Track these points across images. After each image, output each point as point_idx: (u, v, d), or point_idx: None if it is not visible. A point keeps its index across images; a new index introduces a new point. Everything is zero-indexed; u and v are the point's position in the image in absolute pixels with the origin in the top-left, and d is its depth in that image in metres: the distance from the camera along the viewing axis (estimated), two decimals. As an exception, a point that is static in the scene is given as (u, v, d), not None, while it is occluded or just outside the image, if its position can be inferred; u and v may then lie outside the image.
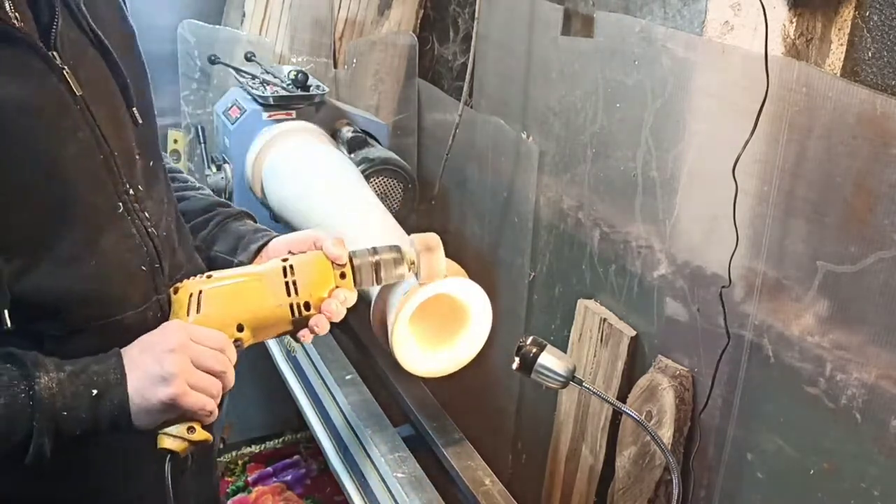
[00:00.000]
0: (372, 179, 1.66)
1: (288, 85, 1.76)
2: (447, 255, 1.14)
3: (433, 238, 1.05)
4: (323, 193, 1.43)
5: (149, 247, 0.92)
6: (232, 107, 1.77)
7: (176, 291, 0.93)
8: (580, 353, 1.55)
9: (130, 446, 0.92)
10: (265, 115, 1.71)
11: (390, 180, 1.70)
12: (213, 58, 1.90)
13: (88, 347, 0.85)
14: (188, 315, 0.91)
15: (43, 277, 0.82)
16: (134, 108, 0.92)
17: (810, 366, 1.12)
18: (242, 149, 1.70)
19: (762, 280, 1.18)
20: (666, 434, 1.30)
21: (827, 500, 1.13)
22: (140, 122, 0.92)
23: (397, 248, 1.03)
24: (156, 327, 0.89)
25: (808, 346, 1.12)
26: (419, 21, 2.19)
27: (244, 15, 2.05)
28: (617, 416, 1.46)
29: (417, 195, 1.75)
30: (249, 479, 2.22)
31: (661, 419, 1.32)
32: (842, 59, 1.07)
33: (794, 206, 1.12)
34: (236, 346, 0.93)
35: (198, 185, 1.21)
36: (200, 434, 0.86)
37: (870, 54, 1.03)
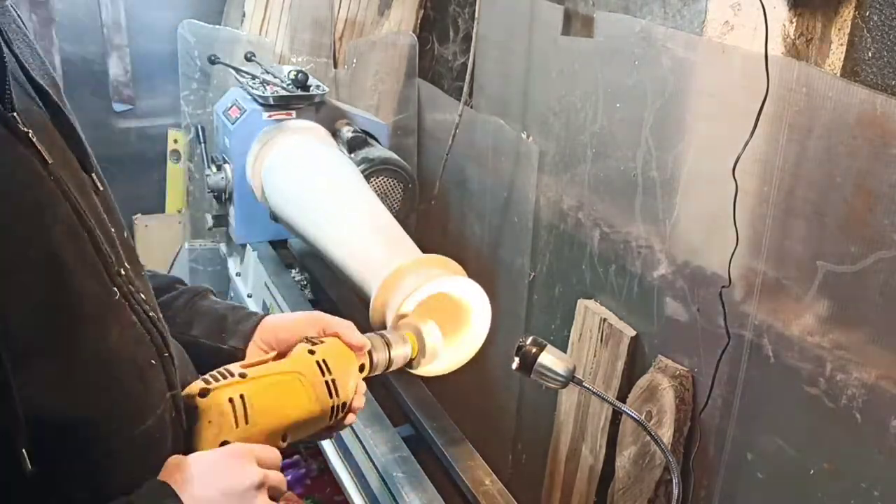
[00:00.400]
0: (372, 179, 1.66)
1: (288, 85, 1.76)
2: (446, 255, 1.14)
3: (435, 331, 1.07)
4: (323, 193, 1.43)
5: (153, 334, 0.75)
6: (232, 107, 1.77)
7: (205, 394, 0.79)
8: (580, 353, 1.55)
9: None
10: (265, 115, 1.71)
11: (390, 180, 1.70)
12: (213, 58, 1.90)
13: (118, 477, 0.70)
14: (237, 426, 0.79)
15: (58, 393, 0.64)
16: (93, 174, 0.74)
17: (810, 366, 1.12)
18: (242, 149, 1.70)
19: (762, 280, 1.18)
20: (666, 434, 1.30)
21: (827, 500, 1.13)
22: (100, 189, 0.75)
23: (404, 338, 1.04)
24: (171, 433, 0.75)
25: (808, 346, 1.12)
26: (419, 21, 2.19)
27: (244, 15, 2.05)
28: (617, 416, 1.46)
29: (417, 195, 1.75)
30: (249, 479, 2.22)
31: (661, 419, 1.32)
32: (842, 59, 1.07)
33: (794, 206, 1.12)
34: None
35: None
36: None
37: (870, 54, 1.03)
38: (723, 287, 1.21)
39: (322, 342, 0.93)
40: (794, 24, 1.09)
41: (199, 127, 1.98)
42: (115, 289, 0.71)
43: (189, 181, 2.23)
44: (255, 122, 1.70)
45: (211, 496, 0.70)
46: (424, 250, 1.21)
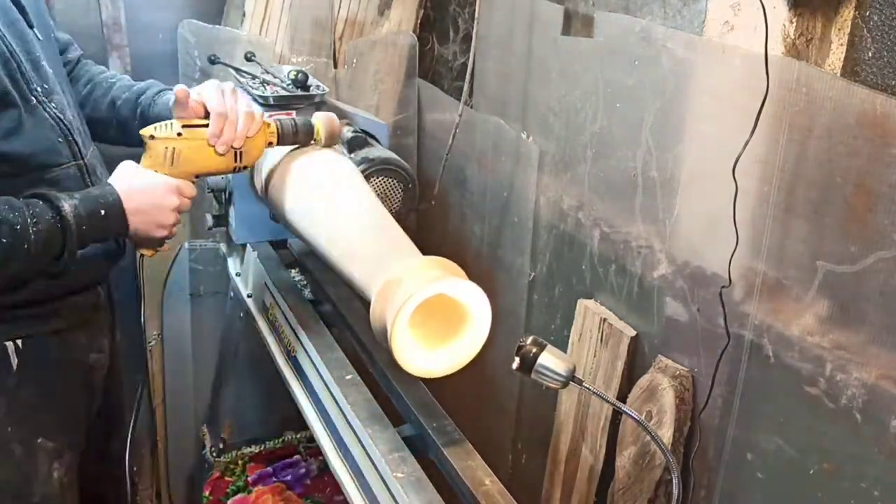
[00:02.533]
0: (372, 179, 1.66)
1: (288, 85, 1.76)
2: (446, 255, 1.14)
3: (335, 120, 1.46)
4: (323, 193, 1.43)
5: (61, 126, 1.28)
6: (232, 107, 1.76)
7: (152, 138, 1.27)
8: (580, 353, 1.55)
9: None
10: (265, 115, 1.71)
11: (390, 180, 1.70)
12: (213, 58, 1.90)
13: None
14: (165, 166, 1.28)
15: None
16: (34, 29, 1.29)
17: (810, 366, 1.12)
18: (242, 149, 1.70)
19: (762, 280, 1.18)
20: (666, 434, 1.30)
21: (827, 500, 1.13)
22: (41, 38, 1.30)
23: (311, 125, 1.43)
24: (81, 180, 1.31)
25: (808, 346, 1.12)
26: (419, 21, 2.19)
27: (244, 15, 2.05)
28: (617, 416, 1.46)
29: (417, 195, 1.75)
30: (249, 479, 2.22)
31: (661, 419, 1.32)
32: (842, 59, 1.07)
33: (794, 206, 1.12)
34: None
35: (112, 79, 1.56)
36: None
37: (870, 54, 1.03)
38: (723, 287, 1.21)
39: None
40: (794, 24, 1.09)
41: (199, 127, 1.98)
42: (33, 97, 1.24)
43: (189, 181, 2.23)
44: (255, 122, 1.70)
45: (131, 192, 1.23)
46: (424, 250, 1.21)
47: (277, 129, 1.38)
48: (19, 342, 1.30)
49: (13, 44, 1.22)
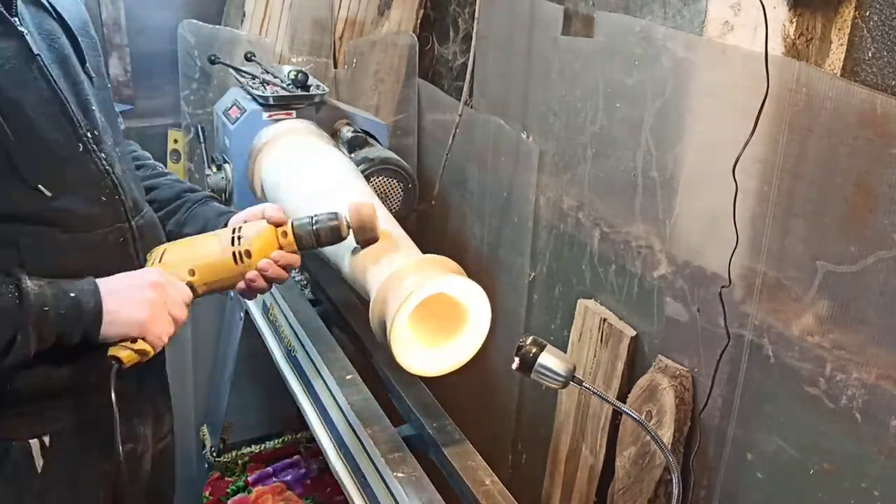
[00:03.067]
0: (372, 179, 1.66)
1: (288, 85, 1.76)
2: (446, 255, 1.14)
3: (366, 205, 1.19)
4: (323, 193, 1.43)
5: (107, 180, 1.10)
6: (232, 107, 1.77)
7: (149, 254, 1.15)
8: (580, 353, 1.55)
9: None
10: (265, 115, 1.71)
11: (390, 180, 1.70)
12: (213, 58, 1.90)
13: (65, 261, 1.04)
14: (153, 265, 1.13)
15: (21, 200, 1.00)
16: (87, 66, 1.12)
17: (810, 366, 1.12)
18: (242, 149, 1.70)
19: (762, 280, 1.18)
20: (666, 434, 1.30)
21: (827, 500, 1.13)
22: (94, 77, 1.13)
23: (335, 214, 1.17)
24: (124, 248, 1.12)
25: (808, 346, 1.12)
26: (419, 21, 2.19)
27: (244, 15, 2.05)
28: (617, 416, 1.46)
29: (417, 195, 1.75)
30: (249, 479, 2.22)
31: (661, 419, 1.32)
32: (842, 59, 1.07)
33: (794, 206, 1.12)
34: (191, 289, 1.13)
35: (166, 170, 1.39)
36: (142, 346, 1.05)
37: (870, 54, 1.03)
38: (723, 287, 1.21)
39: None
40: (794, 24, 1.09)
41: (199, 127, 1.98)
42: (80, 144, 1.07)
43: (189, 181, 2.23)
44: (255, 122, 1.70)
45: (111, 281, 1.05)
46: (424, 250, 1.21)
47: (294, 238, 1.17)
48: (45, 439, 1.10)
49: (60, 82, 1.06)
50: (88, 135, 1.08)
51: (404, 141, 2.21)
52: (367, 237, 1.18)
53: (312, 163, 1.53)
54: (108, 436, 1.07)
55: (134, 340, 1.04)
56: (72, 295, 1.00)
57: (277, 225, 1.16)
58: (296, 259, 1.17)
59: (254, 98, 1.74)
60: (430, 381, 1.32)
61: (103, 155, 1.10)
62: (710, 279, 1.26)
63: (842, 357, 1.08)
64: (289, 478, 2.24)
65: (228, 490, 2.20)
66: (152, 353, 1.06)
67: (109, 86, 1.25)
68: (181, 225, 1.29)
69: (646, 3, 1.35)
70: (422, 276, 1.10)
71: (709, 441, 1.32)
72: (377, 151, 1.72)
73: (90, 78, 1.12)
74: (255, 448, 2.30)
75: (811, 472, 1.15)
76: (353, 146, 1.72)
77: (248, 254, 1.13)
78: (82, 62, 1.12)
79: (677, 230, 1.33)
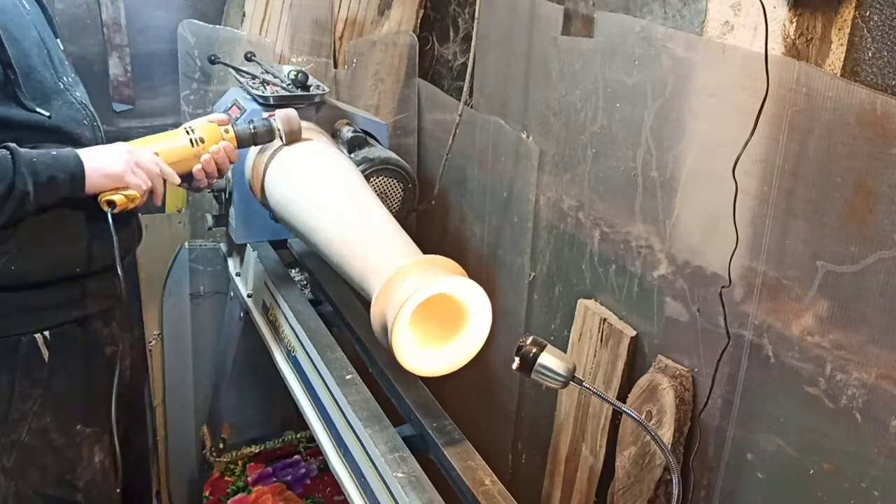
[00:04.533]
0: (372, 179, 1.66)
1: (288, 85, 1.76)
2: (446, 255, 1.14)
3: (293, 114, 1.51)
4: (323, 193, 1.43)
5: (86, 111, 1.41)
6: (232, 107, 1.77)
7: None
8: (580, 353, 1.55)
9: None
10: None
11: (390, 180, 1.70)
12: (213, 58, 1.90)
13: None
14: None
15: (25, 118, 1.28)
16: (58, 34, 1.45)
17: (810, 366, 1.12)
18: (243, 149, 1.70)
19: (762, 280, 1.18)
20: (666, 434, 1.30)
21: (827, 500, 1.13)
22: (62, 46, 1.45)
23: (270, 121, 1.50)
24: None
25: (808, 346, 1.12)
26: (419, 21, 2.19)
27: (244, 15, 2.05)
28: (617, 416, 1.46)
29: (417, 195, 1.75)
30: (249, 479, 2.22)
31: (661, 419, 1.32)
32: (842, 59, 1.07)
33: (794, 206, 1.12)
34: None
35: None
36: (129, 192, 1.31)
37: (870, 54, 1.03)
38: (723, 287, 1.21)
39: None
40: (794, 24, 1.09)
41: (200, 127, 1.98)
42: (60, 84, 1.37)
43: (189, 181, 2.23)
44: (255, 122, 1.70)
45: (95, 152, 1.31)
46: (424, 250, 1.21)
47: (235, 134, 1.47)
48: (47, 333, 1.37)
49: (45, 38, 1.37)
50: (65, 79, 1.39)
51: (404, 141, 2.21)
52: (294, 139, 1.52)
53: (318, 171, 1.53)
54: (96, 336, 1.45)
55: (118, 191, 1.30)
56: (53, 152, 1.26)
57: (220, 124, 1.46)
58: (236, 154, 1.46)
59: (254, 98, 1.74)
60: (430, 381, 1.32)
61: (78, 95, 1.41)
62: (710, 279, 1.26)
63: (842, 357, 1.08)
64: (289, 478, 2.24)
65: (228, 490, 2.20)
66: (139, 198, 1.32)
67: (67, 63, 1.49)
68: None
69: (646, 3, 1.35)
70: (422, 276, 1.10)
71: (709, 441, 1.32)
72: (377, 151, 1.72)
73: (60, 47, 1.43)
74: (255, 448, 2.30)
75: (811, 472, 1.15)
76: (353, 146, 1.72)
77: (202, 140, 1.42)
78: (54, 31, 1.43)
79: (677, 230, 1.33)
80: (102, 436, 1.48)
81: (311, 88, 1.76)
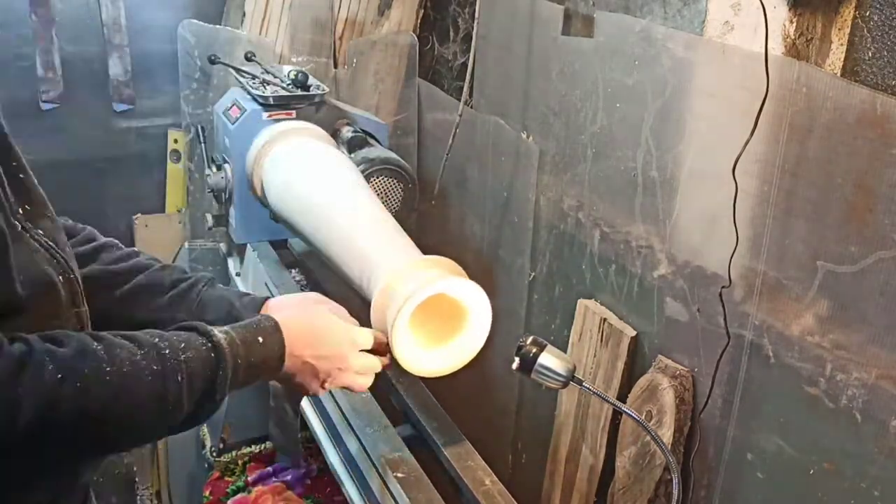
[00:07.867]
0: (372, 179, 1.66)
1: (288, 85, 1.76)
2: (446, 255, 1.14)
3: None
4: (323, 193, 1.43)
5: (58, 259, 0.90)
6: (232, 107, 1.77)
7: None
8: (580, 353, 1.55)
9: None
10: (265, 114, 1.71)
11: (390, 180, 1.70)
12: (213, 58, 1.90)
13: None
14: None
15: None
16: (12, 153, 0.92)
17: (810, 366, 1.12)
18: (242, 149, 1.70)
19: (762, 280, 1.18)
20: (666, 434, 1.30)
21: (827, 500, 1.13)
22: (21, 163, 0.92)
23: None
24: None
25: (808, 346, 1.12)
26: (419, 21, 2.19)
27: (244, 15, 2.05)
28: (617, 416, 1.46)
29: (417, 195, 1.75)
30: (249, 479, 2.22)
31: (661, 419, 1.32)
32: (842, 59, 1.07)
33: (794, 206, 1.12)
34: None
35: (140, 253, 1.19)
36: None
37: (870, 54, 1.03)
38: (723, 287, 1.21)
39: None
40: (794, 24, 1.09)
41: (199, 127, 1.98)
42: (16, 222, 0.86)
43: (189, 181, 2.23)
44: (255, 122, 1.70)
45: (299, 336, 1.03)
46: (424, 250, 1.21)
47: None
48: None
49: None
50: (20, 211, 0.89)
51: (404, 141, 2.21)
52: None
53: (318, 171, 1.53)
54: None
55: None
56: (259, 340, 0.98)
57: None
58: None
59: (254, 98, 1.74)
60: (430, 381, 1.32)
61: (41, 232, 0.91)
62: (710, 279, 1.26)
63: (842, 357, 1.08)
64: (289, 478, 2.24)
65: (228, 490, 2.20)
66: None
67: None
68: (197, 314, 1.16)
69: (646, 3, 1.35)
70: (422, 277, 1.10)
71: (709, 441, 1.32)
72: (377, 151, 1.72)
73: (17, 157, 0.93)
74: (255, 448, 2.30)
75: (811, 472, 1.15)
76: (353, 146, 1.72)
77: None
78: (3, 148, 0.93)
79: (677, 230, 1.33)
80: None
81: (311, 88, 1.76)
